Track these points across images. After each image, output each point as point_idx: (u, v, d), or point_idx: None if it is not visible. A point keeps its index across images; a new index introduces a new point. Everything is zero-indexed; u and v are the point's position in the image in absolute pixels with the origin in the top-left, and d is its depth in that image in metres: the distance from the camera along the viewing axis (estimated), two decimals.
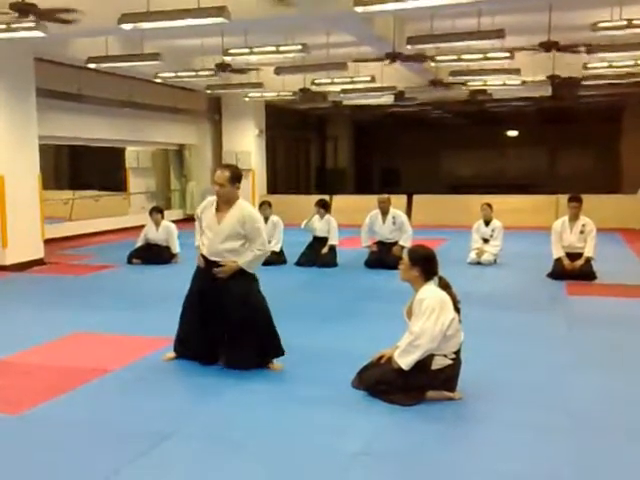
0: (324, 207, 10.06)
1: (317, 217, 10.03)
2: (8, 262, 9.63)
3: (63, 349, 5.61)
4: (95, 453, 3.57)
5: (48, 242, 10.89)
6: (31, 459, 3.52)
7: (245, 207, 4.89)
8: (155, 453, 3.56)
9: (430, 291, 4.21)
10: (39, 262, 10.13)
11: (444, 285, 4.27)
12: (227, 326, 4.90)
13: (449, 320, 4.13)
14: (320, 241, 9.94)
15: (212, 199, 5.00)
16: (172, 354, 5.17)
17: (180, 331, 5.13)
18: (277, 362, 4.99)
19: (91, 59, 10.19)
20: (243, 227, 4.82)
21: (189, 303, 5.09)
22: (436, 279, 4.27)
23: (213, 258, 4.89)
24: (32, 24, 7.23)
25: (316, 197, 16.55)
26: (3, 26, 7.36)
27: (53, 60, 11.33)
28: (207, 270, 4.90)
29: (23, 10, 7.13)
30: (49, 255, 10.54)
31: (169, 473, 3.36)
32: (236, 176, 4.88)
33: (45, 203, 10.79)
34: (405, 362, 4.14)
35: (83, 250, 11.99)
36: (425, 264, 4.24)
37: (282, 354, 4.99)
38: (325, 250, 9.82)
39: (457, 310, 4.25)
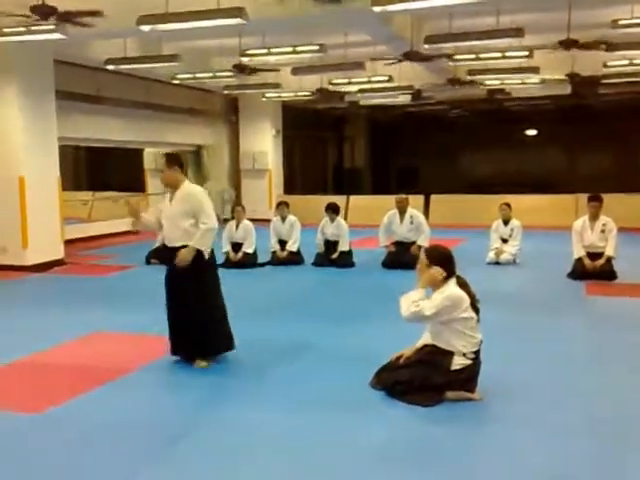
0: (334, 211, 9.96)
1: (328, 221, 9.97)
2: (29, 263, 9.73)
3: (83, 349, 5.65)
4: (115, 452, 3.59)
5: (68, 243, 10.98)
6: (51, 458, 3.55)
7: (189, 186, 5.10)
8: (174, 453, 3.57)
9: (449, 289, 4.19)
10: (59, 263, 10.23)
11: (461, 284, 4.25)
12: (182, 314, 5.01)
13: (455, 315, 4.12)
14: (333, 244, 9.89)
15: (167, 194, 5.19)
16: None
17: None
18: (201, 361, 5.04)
19: (110, 60, 10.28)
20: (188, 202, 4.98)
21: (166, 296, 5.17)
22: (454, 279, 4.25)
23: (172, 244, 5.04)
24: (52, 26, 7.29)
25: (333, 197, 16.61)
26: (23, 29, 7.44)
27: (72, 62, 11.43)
28: (170, 259, 5.04)
29: (43, 13, 7.20)
30: (69, 256, 10.64)
31: (188, 473, 3.37)
32: (173, 159, 5.10)
33: (65, 204, 10.89)
34: (403, 308, 4.21)
35: (102, 251, 12.09)
36: (443, 264, 4.23)
37: (228, 349, 5.16)
38: (335, 256, 9.76)
39: (476, 309, 4.23)
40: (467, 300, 4.17)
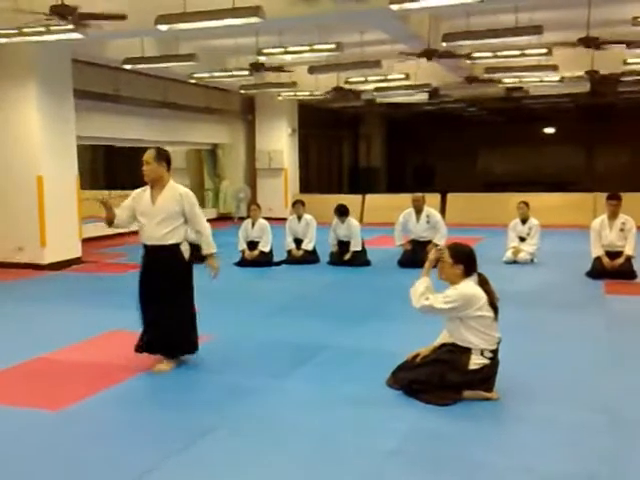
0: (342, 214, 9.79)
1: (339, 222, 9.88)
2: (46, 261, 9.81)
3: (101, 346, 5.69)
4: (131, 450, 3.61)
5: (85, 241, 11.07)
6: (68, 455, 3.57)
7: (179, 187, 4.99)
8: (190, 451, 3.57)
9: (465, 286, 4.17)
10: (77, 261, 10.30)
11: (482, 281, 4.24)
12: (160, 312, 4.96)
13: (469, 312, 4.12)
14: (346, 245, 9.81)
15: (144, 187, 5.04)
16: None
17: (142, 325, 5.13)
18: (166, 364, 4.98)
19: (127, 60, 10.33)
20: (180, 205, 4.89)
21: (140, 295, 5.07)
22: (475, 276, 4.24)
23: (153, 243, 4.92)
24: (71, 26, 7.34)
25: (349, 196, 16.59)
26: (43, 29, 7.49)
27: (90, 61, 11.51)
28: (149, 257, 4.95)
29: (62, 13, 7.25)
30: (86, 254, 10.71)
31: (203, 471, 3.37)
32: (162, 155, 4.96)
33: (82, 203, 10.96)
34: (413, 300, 4.26)
35: (119, 249, 12.15)
36: (468, 261, 4.23)
37: (192, 351, 5.07)
38: (347, 257, 9.69)
39: (494, 307, 4.20)
40: (482, 298, 4.14)
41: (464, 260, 4.23)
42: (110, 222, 5.05)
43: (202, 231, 5.01)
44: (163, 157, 4.94)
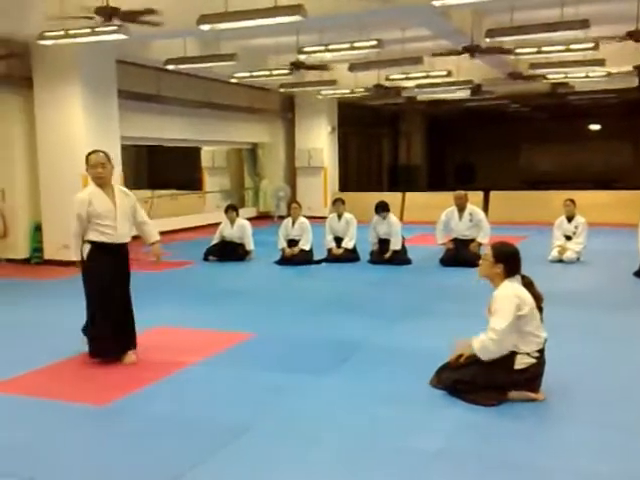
0: (383, 209, 9.66)
1: (379, 219, 9.76)
2: None
3: (145, 343, 5.73)
4: (174, 446, 3.63)
5: None
6: (112, 450, 3.60)
7: (119, 185, 5.29)
8: (231, 448, 3.58)
9: (506, 288, 4.09)
10: None
11: (527, 284, 4.14)
12: (125, 308, 5.21)
13: (514, 316, 3.99)
14: (387, 243, 9.71)
15: (85, 193, 5.05)
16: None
17: (103, 330, 5.13)
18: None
19: (170, 60, 10.45)
20: (130, 199, 5.17)
21: (106, 297, 5.15)
22: (518, 277, 4.15)
23: (122, 241, 5.12)
24: (115, 27, 7.46)
25: (389, 194, 16.50)
26: (88, 30, 7.63)
27: (134, 62, 11.67)
28: (119, 257, 5.11)
29: (108, 14, 7.37)
30: (129, 252, 10.84)
31: (244, 467, 3.37)
32: (110, 156, 5.15)
33: None
34: (481, 353, 4.08)
35: (161, 247, 12.28)
36: (510, 262, 4.13)
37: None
38: (388, 255, 9.61)
39: (540, 309, 4.12)
40: (524, 297, 4.04)
41: (505, 260, 4.12)
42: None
43: (148, 221, 5.35)
44: (110, 158, 5.13)
